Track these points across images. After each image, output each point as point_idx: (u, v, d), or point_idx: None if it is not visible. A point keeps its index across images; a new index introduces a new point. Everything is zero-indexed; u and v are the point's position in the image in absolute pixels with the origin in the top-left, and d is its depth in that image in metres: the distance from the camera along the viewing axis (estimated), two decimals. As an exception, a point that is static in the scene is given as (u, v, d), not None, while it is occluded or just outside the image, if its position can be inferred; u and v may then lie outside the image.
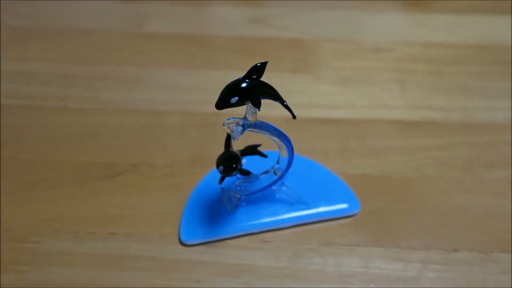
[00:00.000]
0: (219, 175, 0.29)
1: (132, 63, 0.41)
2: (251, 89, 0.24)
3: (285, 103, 0.26)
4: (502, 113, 0.37)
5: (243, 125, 0.26)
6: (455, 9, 0.49)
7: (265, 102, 0.25)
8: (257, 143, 0.30)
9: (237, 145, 0.29)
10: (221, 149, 0.28)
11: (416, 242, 0.29)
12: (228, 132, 0.26)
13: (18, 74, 0.40)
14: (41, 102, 0.38)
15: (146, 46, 0.43)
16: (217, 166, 0.27)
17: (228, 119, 0.26)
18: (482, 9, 0.49)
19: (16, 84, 0.39)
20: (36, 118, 0.36)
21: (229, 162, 0.27)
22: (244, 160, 0.28)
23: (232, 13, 0.48)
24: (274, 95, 0.25)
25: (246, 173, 0.28)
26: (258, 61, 0.24)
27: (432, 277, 0.28)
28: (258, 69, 0.24)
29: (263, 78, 0.24)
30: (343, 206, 0.31)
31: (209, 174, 0.32)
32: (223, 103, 0.24)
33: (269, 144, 0.29)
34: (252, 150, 0.30)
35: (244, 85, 0.24)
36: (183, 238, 0.29)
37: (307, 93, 0.39)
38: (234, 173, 0.27)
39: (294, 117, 0.26)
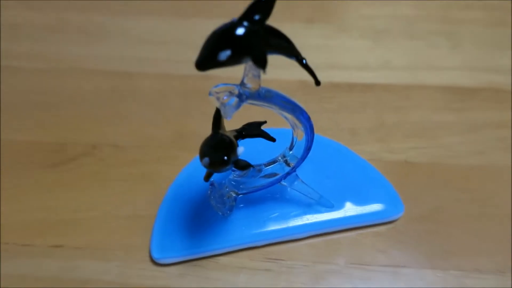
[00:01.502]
0: (204, 169, 0.20)
1: (95, 8, 0.33)
2: (251, 38, 0.16)
3: (304, 61, 0.17)
4: None
5: (239, 95, 0.17)
6: None
7: (271, 59, 0.16)
8: (261, 120, 0.21)
9: (232, 124, 0.20)
10: (209, 126, 0.19)
11: (486, 262, 0.21)
12: (217, 105, 0.17)
13: None
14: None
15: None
16: (201, 157, 0.18)
17: (216, 86, 0.17)
18: None
19: None
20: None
21: (218, 152, 0.18)
22: (241, 148, 0.19)
23: None
24: (288, 49, 0.17)
25: (244, 166, 0.19)
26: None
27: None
28: (263, 7, 0.15)
29: None
30: (380, 207, 0.22)
31: (193, 161, 0.24)
32: (207, 60, 0.16)
33: (277, 120, 0.20)
34: (254, 130, 0.21)
35: (241, 31, 0.16)
36: (155, 255, 0.21)
37: (327, 49, 0.31)
38: (225, 169, 0.18)
39: (317, 83, 0.18)
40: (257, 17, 0.16)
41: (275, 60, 0.18)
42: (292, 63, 0.18)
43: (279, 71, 0.21)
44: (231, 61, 0.16)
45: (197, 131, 0.22)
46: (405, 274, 0.21)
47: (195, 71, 0.24)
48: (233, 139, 0.18)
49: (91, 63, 0.29)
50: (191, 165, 0.23)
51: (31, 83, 0.28)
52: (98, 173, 0.24)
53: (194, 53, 0.16)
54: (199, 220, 0.21)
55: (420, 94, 0.28)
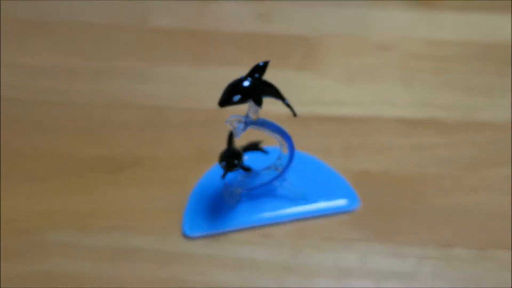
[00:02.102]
0: (221, 170, 0.29)
1: (137, 58, 0.42)
2: (253, 88, 0.25)
3: (286, 101, 0.26)
4: (504, 112, 0.38)
5: (245, 123, 0.27)
6: (460, 7, 0.49)
7: (268, 99, 0.26)
8: (259, 140, 0.31)
9: (239, 141, 0.30)
10: (223, 144, 0.29)
11: (413, 239, 0.30)
12: (231, 129, 0.27)
13: (24, 67, 0.41)
14: (46, 95, 0.38)
15: (151, 41, 0.44)
16: (220, 162, 0.27)
17: (231, 117, 0.27)
18: (487, 7, 0.49)
19: (22, 77, 0.40)
20: (41, 112, 0.37)
21: (231, 158, 0.27)
22: (245, 157, 0.28)
23: (237, 9, 0.48)
24: (276, 94, 0.26)
25: (247, 169, 0.29)
26: (263, 57, 0.25)
27: (427, 272, 0.28)
28: (260, 68, 0.25)
29: (266, 75, 0.25)
30: (343, 202, 0.31)
31: (212, 169, 0.33)
32: (226, 101, 0.25)
33: (271, 140, 0.30)
34: (253, 146, 0.30)
35: (246, 84, 0.25)
36: (186, 230, 0.29)
37: (311, 90, 0.39)
38: (235, 169, 0.28)
39: (295, 115, 0.26)
40: (256, 75, 0.25)
41: (270, 100, 0.26)
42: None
43: (274, 107, 0.28)
44: (240, 102, 0.25)
45: (214, 149, 0.30)
46: (359, 245, 0.29)
47: (210, 106, 0.33)
48: (241, 150, 0.28)
49: (134, 99, 0.37)
50: (210, 172, 0.32)
51: (90, 113, 0.37)
52: (142, 178, 0.32)
53: (210, 91, 0.25)
54: (217, 207, 0.30)
55: (379, 124, 0.36)
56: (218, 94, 0.24)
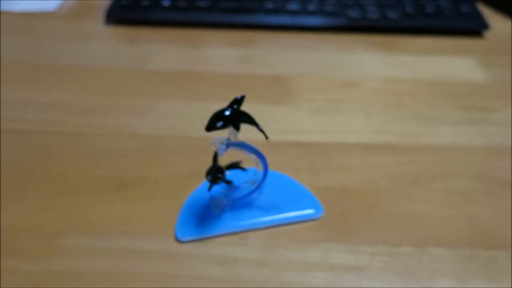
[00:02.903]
0: (209, 185, 0.36)
1: (138, 95, 0.49)
2: (232, 116, 0.32)
3: (259, 127, 0.33)
4: (445, 137, 0.45)
5: (226, 144, 0.34)
6: (415, 50, 0.58)
7: (246, 127, 0.33)
8: (239, 160, 0.38)
9: (223, 161, 0.37)
10: (210, 164, 0.35)
11: (367, 239, 0.36)
12: (215, 149, 0.34)
13: (45, 105, 0.48)
14: (63, 128, 0.45)
15: (150, 81, 0.51)
16: (206, 176, 0.34)
17: (215, 139, 0.34)
18: (437, 51, 0.57)
19: (43, 113, 0.47)
20: (61, 142, 0.44)
21: (215, 173, 0.34)
22: (227, 172, 0.35)
23: (223, 53, 0.57)
24: (250, 121, 0.33)
25: (228, 182, 0.36)
26: (244, 93, 0.32)
27: (378, 266, 0.34)
28: (238, 101, 0.32)
29: (247, 108, 0.31)
30: (310, 211, 0.37)
31: (201, 185, 0.39)
32: (211, 127, 0.32)
33: (249, 161, 0.37)
34: (234, 165, 0.37)
35: (227, 113, 0.32)
36: (178, 235, 0.36)
37: (285, 121, 0.47)
38: (219, 182, 0.34)
39: (266, 137, 0.33)
40: (235, 106, 0.33)
41: (250, 129, 0.33)
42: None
43: (255, 134, 0.34)
44: (222, 127, 0.32)
45: (203, 169, 0.36)
46: (321, 245, 0.35)
47: (201, 134, 0.40)
48: (224, 167, 0.35)
49: (137, 130, 0.44)
50: (200, 187, 0.38)
51: (100, 142, 0.44)
52: (145, 193, 0.39)
53: (202, 122, 0.32)
54: (204, 216, 0.36)
55: (341, 148, 0.43)
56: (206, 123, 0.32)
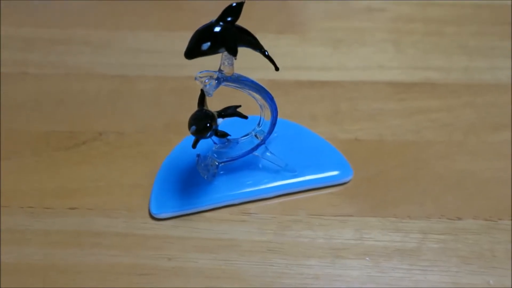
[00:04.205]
0: (193, 140, 0.25)
1: (100, 26, 0.39)
2: (225, 33, 0.21)
3: (266, 53, 0.23)
4: (505, 73, 0.35)
5: (217, 78, 0.23)
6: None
7: (246, 64, 0.23)
8: (237, 104, 0.27)
9: (214, 105, 0.26)
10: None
11: (416, 211, 0.26)
12: (201, 86, 0.23)
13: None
14: (-2, 67, 0.34)
15: (116, 9, 0.40)
16: (189, 127, 0.23)
17: (200, 72, 0.23)
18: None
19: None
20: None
21: (202, 121, 0.23)
22: (220, 120, 0.24)
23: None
24: (253, 43, 0.23)
25: (223, 135, 0.25)
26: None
27: (433, 248, 0.25)
28: (234, 10, 0.21)
29: None
30: (334, 173, 0.28)
31: (183, 141, 0.29)
32: (193, 50, 0.21)
33: (252, 107, 0.26)
34: (231, 111, 0.26)
35: (217, 29, 0.21)
36: (153, 210, 0.26)
37: (294, 55, 0.37)
38: (208, 134, 0.24)
39: (276, 68, 0.23)
40: (229, 18, 0.21)
41: (251, 63, 0.23)
42: (265, 65, 0.23)
43: (255, 72, 0.25)
44: (211, 51, 0.21)
45: (186, 119, 0.26)
46: (352, 221, 0.26)
47: (183, 73, 0.29)
48: (214, 112, 0.24)
49: (96, 69, 0.34)
50: (181, 144, 0.29)
51: (46, 86, 0.33)
52: (105, 153, 0.29)
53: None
54: (189, 183, 0.26)
55: (368, 88, 0.33)
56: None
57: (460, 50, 0.37)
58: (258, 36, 0.24)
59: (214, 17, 0.22)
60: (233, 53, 0.21)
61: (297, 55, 0.36)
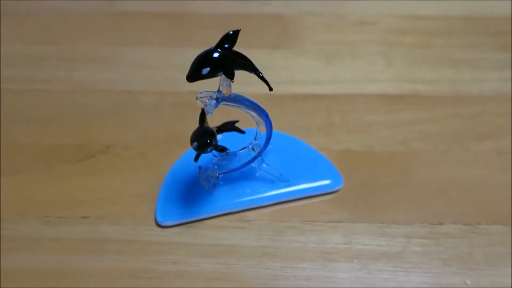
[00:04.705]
0: (195, 154, 0.27)
1: (104, 42, 0.40)
2: (223, 59, 0.23)
3: (260, 75, 0.25)
4: (490, 85, 0.36)
5: (216, 98, 0.25)
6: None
7: (244, 78, 0.24)
8: (235, 119, 0.29)
9: (214, 122, 0.28)
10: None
11: (401, 217, 0.28)
12: (202, 106, 0.25)
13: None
14: (7, 84, 0.36)
15: (119, 25, 0.42)
16: (191, 143, 0.25)
17: (201, 93, 0.25)
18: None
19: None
20: (6, 101, 0.35)
21: (203, 137, 0.25)
22: (219, 136, 0.26)
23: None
24: (249, 66, 0.24)
25: (222, 149, 0.27)
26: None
27: (417, 251, 0.27)
28: (231, 38, 0.23)
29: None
30: (325, 182, 0.29)
31: (185, 153, 0.31)
32: (194, 74, 0.23)
33: (248, 121, 0.28)
34: (229, 126, 0.28)
35: (216, 55, 0.23)
36: (159, 219, 0.28)
37: (288, 69, 0.38)
38: (209, 149, 0.26)
39: (270, 89, 0.25)
40: (227, 45, 0.23)
41: (248, 79, 0.25)
42: (258, 81, 0.24)
43: (252, 86, 0.26)
44: (210, 75, 0.23)
45: (187, 132, 0.28)
46: (342, 226, 0.28)
47: (184, 88, 0.31)
48: (214, 129, 0.26)
49: (101, 84, 0.36)
50: (184, 156, 0.30)
51: (55, 101, 0.35)
52: (112, 165, 0.31)
53: (183, 74, 0.24)
54: (191, 193, 0.28)
55: (360, 101, 0.35)
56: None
57: (447, 62, 0.38)
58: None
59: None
60: (231, 76, 0.23)
61: (292, 69, 0.38)
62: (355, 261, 0.26)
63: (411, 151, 0.32)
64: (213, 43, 0.24)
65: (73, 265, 0.26)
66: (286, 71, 0.38)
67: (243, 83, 0.25)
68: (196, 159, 0.27)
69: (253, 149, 0.28)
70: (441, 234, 0.27)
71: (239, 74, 0.24)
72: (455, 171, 0.31)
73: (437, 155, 0.32)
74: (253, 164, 0.29)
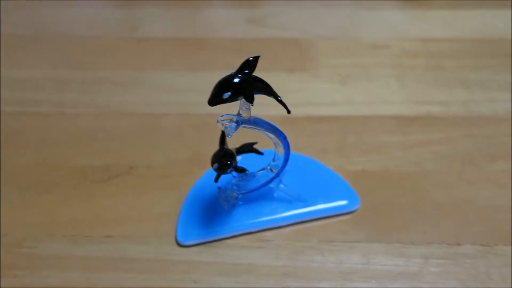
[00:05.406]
0: (215, 175, 0.28)
1: (127, 67, 0.42)
2: (243, 83, 0.24)
3: (279, 98, 0.25)
4: (503, 105, 0.37)
5: (236, 122, 0.26)
6: (451, 5, 0.49)
7: (261, 100, 0.25)
8: (253, 141, 0.30)
9: (234, 144, 0.29)
10: (215, 149, 0.28)
11: (418, 237, 0.29)
12: (222, 129, 0.26)
13: (15, 80, 0.40)
14: (37, 108, 0.38)
15: (142, 50, 0.43)
16: (212, 164, 0.26)
17: (222, 116, 0.26)
18: (478, 3, 0.49)
19: (13, 90, 0.40)
20: (32, 124, 0.36)
21: (223, 159, 0.26)
22: (239, 157, 0.28)
23: (228, 14, 0.48)
24: (268, 90, 0.25)
25: (241, 170, 0.28)
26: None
27: (434, 271, 0.27)
28: (250, 64, 0.24)
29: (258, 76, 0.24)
30: (343, 202, 0.30)
31: (205, 174, 0.32)
32: (215, 99, 0.24)
33: (266, 142, 0.29)
34: (248, 148, 0.29)
35: (236, 80, 0.24)
36: (179, 238, 0.28)
37: (304, 91, 0.39)
38: (229, 171, 0.27)
39: (288, 112, 0.26)
40: (246, 71, 0.24)
41: (266, 101, 0.25)
42: (275, 103, 0.25)
43: (270, 108, 0.27)
44: (231, 99, 0.24)
45: (208, 154, 0.28)
46: (359, 247, 0.28)
47: (204, 110, 0.32)
48: (234, 151, 0.27)
49: (125, 107, 0.37)
50: (204, 177, 0.31)
51: (81, 124, 0.36)
52: (135, 185, 0.32)
53: (203, 97, 0.25)
54: (211, 213, 0.29)
55: (374, 122, 0.36)
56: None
57: (460, 83, 0.39)
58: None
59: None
60: (250, 100, 0.24)
61: (307, 92, 0.39)
62: (373, 281, 0.27)
63: (425, 172, 0.32)
64: (232, 67, 0.25)
65: (99, 283, 0.27)
66: (302, 94, 0.39)
67: (258, 104, 0.26)
68: (216, 179, 0.28)
69: (271, 170, 0.29)
70: (458, 254, 0.28)
71: (255, 96, 0.25)
72: (469, 192, 0.31)
73: (451, 175, 0.32)
74: (271, 185, 0.29)
